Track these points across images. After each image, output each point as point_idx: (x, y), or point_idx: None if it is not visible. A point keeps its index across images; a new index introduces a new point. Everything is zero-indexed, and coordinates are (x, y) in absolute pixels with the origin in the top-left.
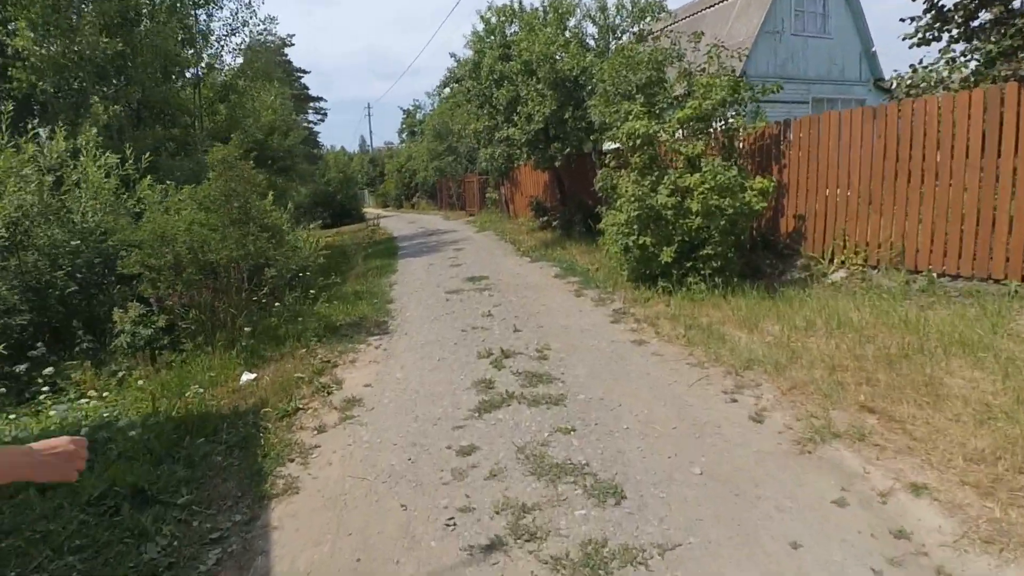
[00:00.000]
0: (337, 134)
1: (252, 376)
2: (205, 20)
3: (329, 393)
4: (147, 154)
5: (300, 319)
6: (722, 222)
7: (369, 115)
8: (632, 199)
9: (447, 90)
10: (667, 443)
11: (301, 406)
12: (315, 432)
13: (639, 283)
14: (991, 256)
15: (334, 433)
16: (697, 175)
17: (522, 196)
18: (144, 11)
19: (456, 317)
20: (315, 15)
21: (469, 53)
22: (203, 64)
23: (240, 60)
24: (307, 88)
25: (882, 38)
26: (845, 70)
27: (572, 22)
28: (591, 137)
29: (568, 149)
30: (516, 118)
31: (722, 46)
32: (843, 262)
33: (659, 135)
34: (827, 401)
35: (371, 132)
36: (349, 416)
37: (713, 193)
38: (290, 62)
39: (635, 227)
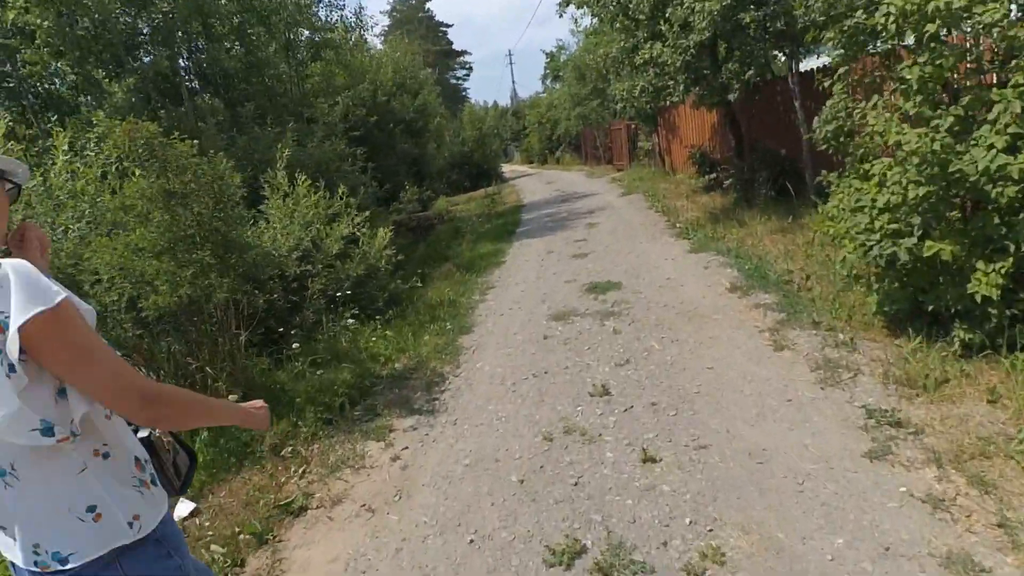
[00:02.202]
0: (492, 88)
1: (189, 509)
2: None
3: None
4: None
5: (327, 366)
6: None
7: (511, 64)
8: (914, 158)
9: (570, 6)
10: None
11: None
12: None
13: (902, 324)
14: None
15: None
16: None
17: (681, 146)
18: None
19: (548, 384)
20: None
21: None
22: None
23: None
24: (451, 43)
25: None
26: None
27: None
28: (787, 49)
29: (749, 71)
30: (664, 29)
31: None
32: None
33: (971, 16)
34: None
35: (513, 82)
36: None
37: None
38: (432, 17)
39: (917, 218)
